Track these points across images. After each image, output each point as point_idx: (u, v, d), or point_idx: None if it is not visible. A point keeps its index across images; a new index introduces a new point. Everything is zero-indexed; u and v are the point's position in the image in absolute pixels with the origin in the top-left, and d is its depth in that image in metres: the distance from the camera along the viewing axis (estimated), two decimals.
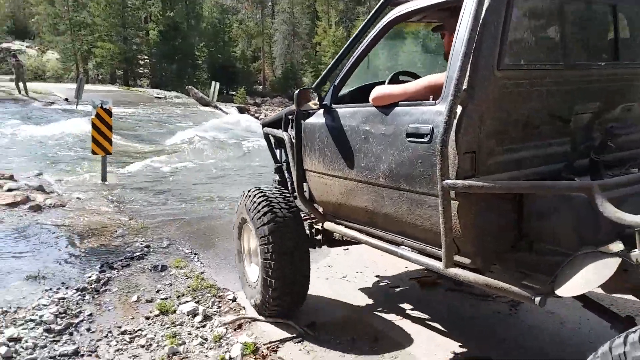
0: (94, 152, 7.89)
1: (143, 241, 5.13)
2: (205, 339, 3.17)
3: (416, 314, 3.43)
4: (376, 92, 2.59)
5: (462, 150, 2.02)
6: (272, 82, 45.26)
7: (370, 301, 3.65)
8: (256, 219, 3.11)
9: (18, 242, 4.97)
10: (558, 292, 1.76)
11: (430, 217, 2.26)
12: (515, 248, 2.15)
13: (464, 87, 2.00)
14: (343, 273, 4.26)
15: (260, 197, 3.18)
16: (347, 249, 4.88)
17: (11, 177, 7.17)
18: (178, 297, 3.82)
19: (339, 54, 3.02)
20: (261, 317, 3.35)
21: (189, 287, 3.97)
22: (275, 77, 45.96)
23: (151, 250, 4.90)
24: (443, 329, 3.21)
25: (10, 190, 6.43)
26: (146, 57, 39.65)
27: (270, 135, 3.79)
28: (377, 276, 4.18)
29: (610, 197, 1.66)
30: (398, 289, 3.88)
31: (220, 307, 3.66)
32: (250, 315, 3.40)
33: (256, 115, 25.54)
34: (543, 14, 2.33)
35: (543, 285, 1.89)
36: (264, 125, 3.91)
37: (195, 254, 4.85)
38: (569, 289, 1.72)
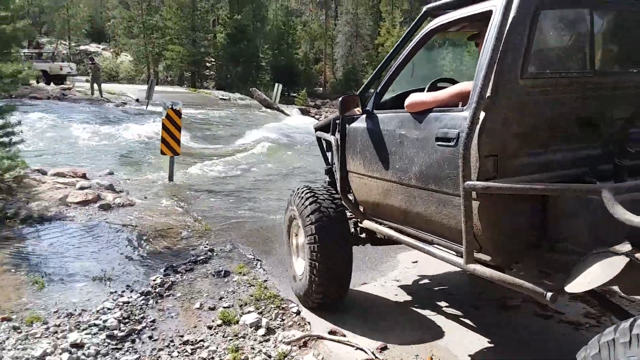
0: (162, 153, 8.00)
1: (207, 244, 5.07)
2: (269, 356, 2.99)
3: (499, 340, 3.09)
4: (410, 99, 2.72)
5: (485, 154, 2.13)
6: (332, 84, 45.18)
7: (446, 322, 3.35)
8: (304, 215, 3.34)
9: (87, 241, 5.04)
10: (567, 288, 1.86)
11: (456, 216, 2.35)
12: (538, 248, 2.21)
13: (488, 94, 2.11)
14: (413, 288, 3.98)
15: (308, 195, 3.40)
16: (416, 262, 4.60)
17: (84, 176, 7.39)
18: (241, 306, 3.68)
19: (382, 62, 3.18)
20: (328, 336, 3.14)
21: (251, 296, 3.83)
22: (335, 78, 45.86)
23: (215, 254, 4.82)
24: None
25: (82, 188, 6.59)
26: (213, 59, 40.72)
27: (322, 139, 3.96)
28: (450, 294, 3.86)
29: (627, 200, 1.72)
30: (476, 310, 3.54)
31: (283, 320, 3.48)
32: (317, 333, 3.19)
33: (317, 117, 25.50)
34: (570, 23, 2.43)
35: (558, 283, 1.95)
36: (316, 129, 4.06)
37: (258, 260, 4.72)
38: (577, 286, 1.82)
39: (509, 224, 2.19)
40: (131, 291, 3.87)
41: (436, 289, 3.98)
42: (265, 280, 4.18)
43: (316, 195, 3.38)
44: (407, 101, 2.71)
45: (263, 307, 3.64)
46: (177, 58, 37.12)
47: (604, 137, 2.38)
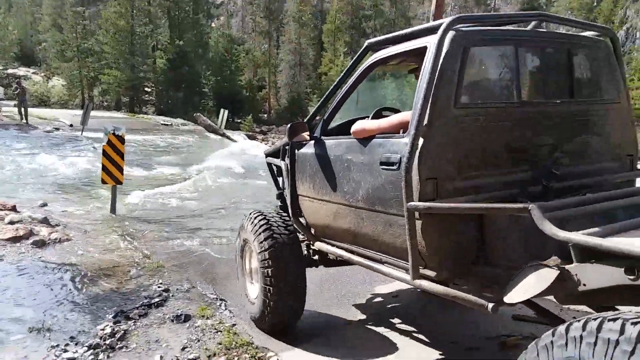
0: (103, 182, 7.34)
1: (161, 284, 4.53)
2: None
3: None
4: (356, 126, 2.90)
5: (424, 177, 2.30)
6: (277, 111, 45.02)
7: None
8: (257, 239, 3.37)
9: (20, 284, 4.36)
10: (506, 299, 1.97)
11: (401, 235, 2.46)
12: (478, 263, 2.36)
13: (425, 122, 2.29)
14: (400, 327, 3.64)
15: (260, 219, 3.44)
16: (397, 296, 4.28)
17: (14, 208, 6.58)
18: (209, 357, 3.20)
19: (328, 92, 3.32)
20: None
21: (220, 345, 3.35)
22: (280, 105, 45.77)
23: (171, 294, 4.30)
24: None
25: (12, 222, 5.84)
26: (152, 84, 39.55)
27: (272, 164, 4.02)
28: (443, 333, 3.54)
29: (557, 217, 1.84)
30: (476, 350, 3.23)
31: None
32: None
33: (264, 142, 25.09)
34: (498, 58, 2.63)
35: (498, 295, 2.06)
36: (266, 155, 4.12)
37: (221, 300, 4.24)
38: (514, 296, 1.94)
39: (450, 242, 2.34)
40: (76, 344, 3.30)
41: (426, 327, 3.65)
42: (234, 325, 3.71)
43: (268, 219, 3.44)
44: (353, 128, 2.87)
45: (236, 358, 3.17)
46: (114, 82, 35.72)
47: (532, 162, 2.57)
